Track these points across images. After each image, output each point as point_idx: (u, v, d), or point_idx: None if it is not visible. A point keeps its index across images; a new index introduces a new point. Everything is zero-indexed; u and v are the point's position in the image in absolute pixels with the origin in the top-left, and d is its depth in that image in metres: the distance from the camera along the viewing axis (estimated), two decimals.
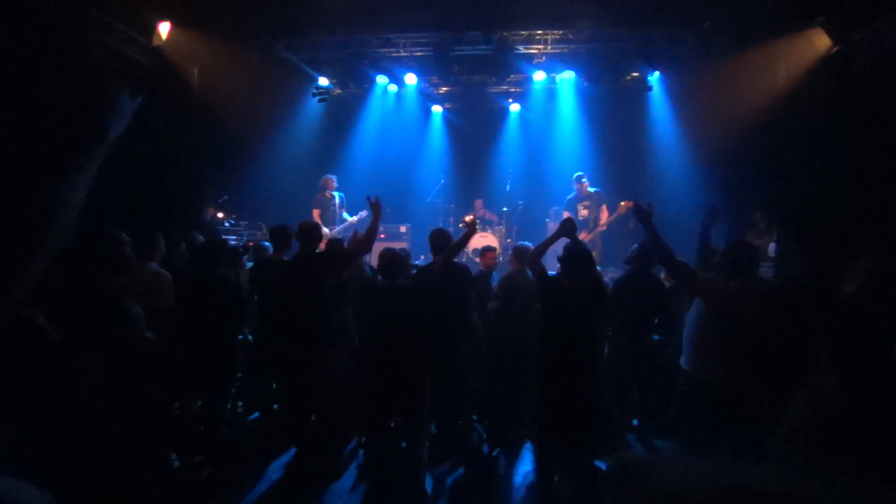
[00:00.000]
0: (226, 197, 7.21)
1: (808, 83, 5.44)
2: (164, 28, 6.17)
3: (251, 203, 7.52)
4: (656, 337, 3.65)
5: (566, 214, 6.74)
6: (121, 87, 0.61)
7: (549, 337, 2.76)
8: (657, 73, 7.34)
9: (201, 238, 4.26)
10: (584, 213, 6.73)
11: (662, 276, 3.89)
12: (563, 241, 3.07)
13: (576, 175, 6.92)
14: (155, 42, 6.18)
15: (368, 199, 3.50)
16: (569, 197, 6.94)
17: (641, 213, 2.78)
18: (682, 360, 2.74)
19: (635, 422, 3.96)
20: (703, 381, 2.56)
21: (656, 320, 3.65)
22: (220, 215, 7.04)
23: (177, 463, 3.18)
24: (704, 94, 6.69)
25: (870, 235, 3.79)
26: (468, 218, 3.99)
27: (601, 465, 3.06)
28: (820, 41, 5.35)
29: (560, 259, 2.88)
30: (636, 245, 3.73)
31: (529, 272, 3.81)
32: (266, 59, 6.97)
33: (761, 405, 2.39)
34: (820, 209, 4.61)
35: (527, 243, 4.26)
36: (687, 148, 7.10)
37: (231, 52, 6.61)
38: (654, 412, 3.78)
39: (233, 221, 7.08)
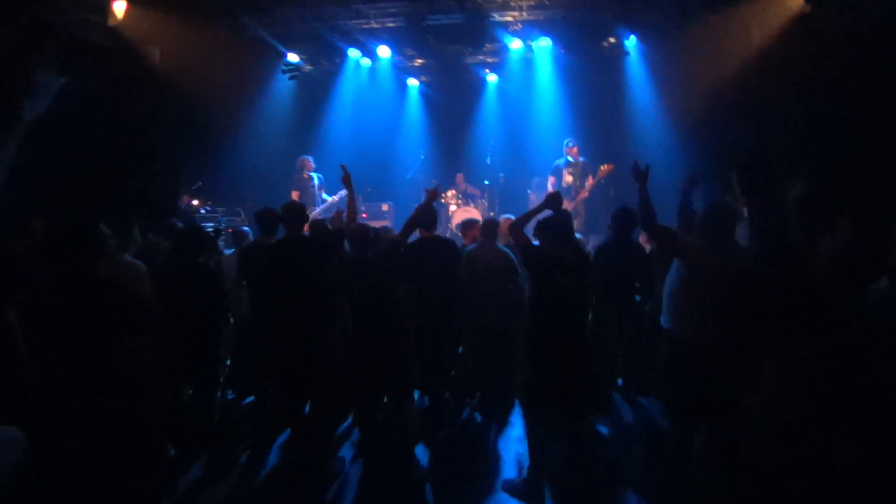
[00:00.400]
0: (200, 183, 7.00)
1: (780, 44, 5.46)
2: (119, 7, 5.82)
3: (226, 188, 7.33)
4: (638, 298, 3.76)
5: (552, 179, 6.74)
6: (39, 65, 0.56)
7: (540, 306, 2.80)
8: (634, 38, 7.27)
9: (180, 225, 4.17)
10: (568, 179, 6.66)
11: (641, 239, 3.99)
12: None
13: (566, 141, 6.83)
14: (111, 22, 5.83)
15: (343, 167, 3.55)
16: (556, 162, 6.85)
17: (638, 174, 2.83)
18: (663, 320, 2.82)
19: (620, 382, 4.11)
20: (684, 341, 2.65)
21: (637, 284, 3.75)
22: (196, 202, 6.86)
23: (173, 452, 3.20)
24: (680, 58, 6.67)
25: (842, 195, 3.90)
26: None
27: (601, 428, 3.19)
28: (793, 1, 5.35)
29: (538, 228, 2.90)
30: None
31: (502, 246, 3.86)
32: (231, 36, 6.66)
33: (738, 363, 2.50)
34: (791, 171, 4.71)
35: (508, 215, 4.29)
36: (665, 112, 7.12)
37: (194, 30, 6.29)
38: (638, 371, 3.95)
39: (209, 208, 6.90)
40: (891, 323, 1.77)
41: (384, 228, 4.33)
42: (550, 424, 2.92)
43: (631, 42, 7.31)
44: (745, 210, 5.23)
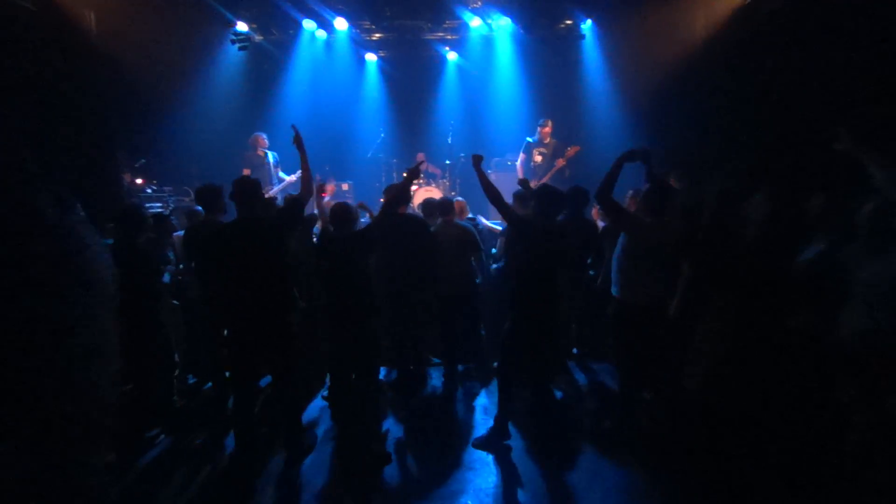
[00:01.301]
0: (143, 161, 6.57)
1: (722, 32, 5.79)
2: None
3: (173, 166, 6.93)
4: (592, 273, 4.00)
5: (522, 156, 6.78)
6: None
7: (524, 267, 2.99)
8: (590, 22, 7.44)
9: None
10: (538, 158, 6.73)
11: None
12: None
13: (540, 121, 6.78)
14: None
15: (294, 127, 3.30)
16: (528, 139, 6.83)
17: (642, 155, 3.00)
18: (613, 290, 3.07)
19: (575, 350, 4.40)
20: (627, 302, 2.95)
21: (589, 259, 4.00)
22: (140, 181, 6.45)
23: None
24: (632, 42, 6.92)
25: (774, 174, 4.27)
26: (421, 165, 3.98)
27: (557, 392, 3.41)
28: None
29: (535, 198, 3.08)
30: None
31: (482, 219, 3.98)
32: (174, 1, 6.21)
33: (677, 324, 2.78)
34: (729, 152, 5.08)
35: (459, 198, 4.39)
36: (617, 95, 7.40)
37: None
38: (590, 339, 4.28)
39: (155, 188, 6.52)
40: (828, 278, 2.00)
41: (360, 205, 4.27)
42: (521, 373, 3.12)
43: (587, 26, 7.49)
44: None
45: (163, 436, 3.32)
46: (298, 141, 3.24)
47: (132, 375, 3.18)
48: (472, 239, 3.92)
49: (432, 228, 3.93)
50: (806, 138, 3.42)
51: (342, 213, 3.27)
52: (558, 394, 3.77)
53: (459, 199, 4.78)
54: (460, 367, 4.14)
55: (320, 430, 3.38)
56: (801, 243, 2.14)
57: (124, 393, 3.16)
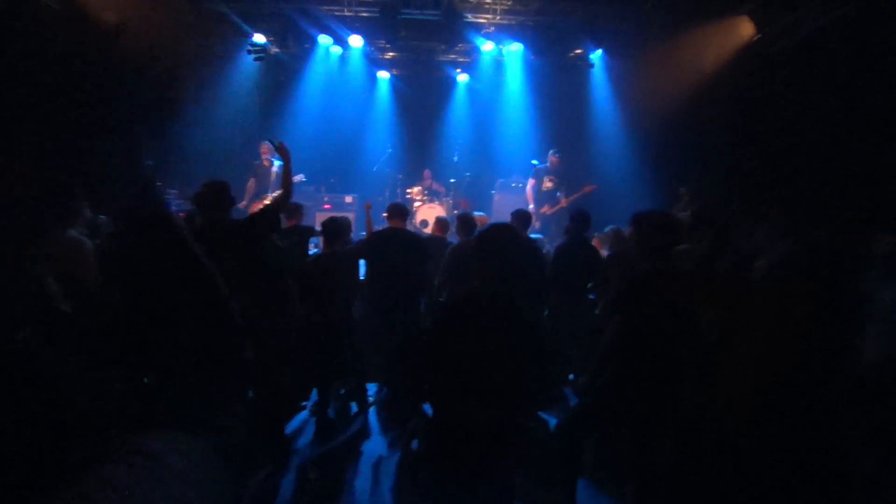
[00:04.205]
0: (151, 163, 6.63)
1: (731, 68, 5.88)
2: None
3: (181, 170, 6.98)
4: (592, 297, 3.96)
5: (532, 181, 6.87)
6: None
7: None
8: (600, 51, 7.58)
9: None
10: (548, 185, 6.82)
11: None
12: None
13: (551, 150, 6.94)
14: None
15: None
16: (537, 166, 6.94)
17: None
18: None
19: (571, 376, 4.30)
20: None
21: (590, 284, 3.97)
22: None
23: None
24: (641, 73, 7.03)
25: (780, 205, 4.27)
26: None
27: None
28: (745, 29, 5.76)
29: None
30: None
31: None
32: (194, 10, 6.36)
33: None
34: (735, 186, 5.11)
35: (479, 213, 4.39)
36: (624, 124, 7.47)
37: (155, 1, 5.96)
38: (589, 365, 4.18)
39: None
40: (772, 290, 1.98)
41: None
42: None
43: (596, 55, 7.62)
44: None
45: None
46: (282, 149, 3.11)
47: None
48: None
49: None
50: (812, 171, 3.44)
51: (333, 228, 3.26)
52: (552, 420, 3.67)
53: (480, 213, 4.86)
54: None
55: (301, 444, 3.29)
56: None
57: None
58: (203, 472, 1.56)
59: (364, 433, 3.37)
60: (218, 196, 2.75)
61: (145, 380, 2.99)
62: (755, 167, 4.93)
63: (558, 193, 6.77)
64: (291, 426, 3.47)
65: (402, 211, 3.88)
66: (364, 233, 4.29)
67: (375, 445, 3.29)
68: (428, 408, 3.73)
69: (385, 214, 4.06)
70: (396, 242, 3.68)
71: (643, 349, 2.23)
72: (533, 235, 5.12)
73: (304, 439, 3.34)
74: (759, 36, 5.54)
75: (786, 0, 5.00)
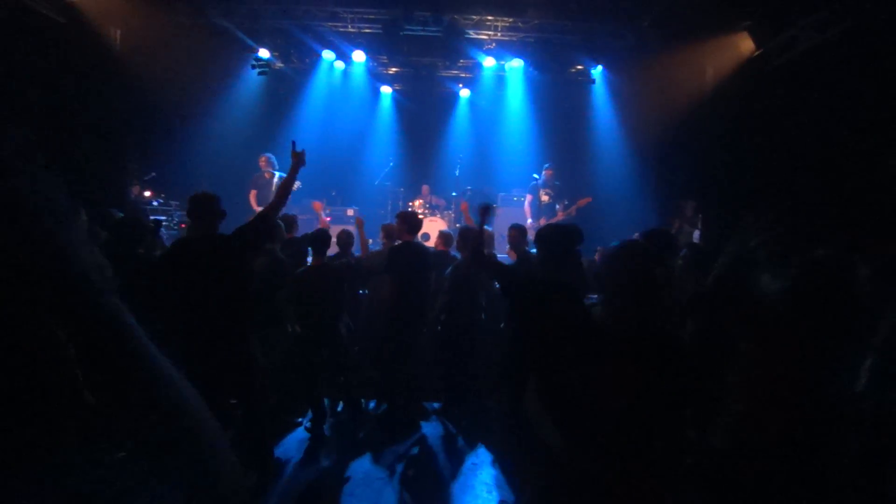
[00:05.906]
0: (153, 174, 6.67)
1: (730, 83, 5.90)
2: None
3: (183, 181, 7.00)
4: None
5: (529, 197, 6.99)
6: None
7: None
8: (600, 67, 7.64)
9: (120, 215, 3.93)
10: (545, 198, 6.90)
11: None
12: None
13: (545, 165, 7.08)
14: None
15: (293, 146, 3.12)
16: (534, 181, 7.04)
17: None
18: None
19: None
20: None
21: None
22: (148, 194, 6.52)
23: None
24: (641, 89, 7.08)
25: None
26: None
27: None
28: (744, 45, 5.80)
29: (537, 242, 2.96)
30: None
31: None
32: (198, 25, 6.45)
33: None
34: (736, 200, 5.08)
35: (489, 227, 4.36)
36: (624, 140, 7.50)
37: (159, 14, 6.05)
38: None
39: (161, 201, 6.58)
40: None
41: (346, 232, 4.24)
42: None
43: (597, 71, 7.68)
44: (696, 233, 5.62)
45: None
46: (298, 157, 3.06)
47: None
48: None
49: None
50: (813, 186, 3.40)
51: (320, 240, 3.26)
52: None
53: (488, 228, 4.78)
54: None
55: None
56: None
57: None
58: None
59: (356, 451, 3.29)
60: (205, 208, 2.69)
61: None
62: (754, 182, 4.90)
63: (557, 206, 6.79)
64: (287, 444, 3.40)
65: (417, 225, 3.87)
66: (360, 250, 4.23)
67: (367, 464, 3.21)
68: (425, 425, 3.64)
69: (397, 227, 3.98)
70: (414, 258, 3.66)
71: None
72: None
73: (297, 456, 3.26)
74: (758, 52, 5.57)
75: (784, 16, 5.03)
